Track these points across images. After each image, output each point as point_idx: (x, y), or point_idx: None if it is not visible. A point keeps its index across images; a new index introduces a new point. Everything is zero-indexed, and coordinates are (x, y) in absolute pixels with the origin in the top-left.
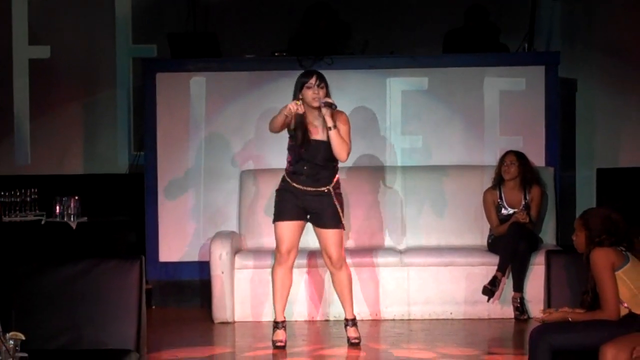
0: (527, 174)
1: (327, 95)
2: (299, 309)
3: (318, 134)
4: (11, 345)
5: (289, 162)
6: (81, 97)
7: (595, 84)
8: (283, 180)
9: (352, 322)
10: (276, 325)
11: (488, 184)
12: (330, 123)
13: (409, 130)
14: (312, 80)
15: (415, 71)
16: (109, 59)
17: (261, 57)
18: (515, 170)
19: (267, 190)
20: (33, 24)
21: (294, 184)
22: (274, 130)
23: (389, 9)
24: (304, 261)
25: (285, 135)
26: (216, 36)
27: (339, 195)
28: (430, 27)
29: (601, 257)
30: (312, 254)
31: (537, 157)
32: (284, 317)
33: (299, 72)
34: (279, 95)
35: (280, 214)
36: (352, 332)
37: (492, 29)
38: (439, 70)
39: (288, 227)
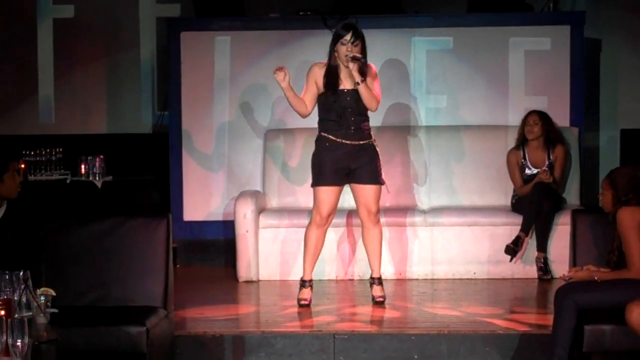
0: (551, 134)
1: (363, 52)
2: (323, 268)
3: (350, 85)
4: (42, 301)
5: (327, 120)
6: (105, 57)
7: (620, 44)
8: (320, 140)
9: (378, 280)
10: (303, 283)
11: (512, 144)
12: (357, 78)
13: (433, 90)
14: (348, 37)
15: (440, 31)
16: (132, 18)
17: (286, 16)
18: (538, 130)
19: (292, 150)
20: None
21: (339, 139)
22: (303, 111)
23: None
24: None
25: None
26: None
27: (377, 151)
28: None
29: (627, 216)
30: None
31: (562, 117)
32: (312, 277)
33: (323, 31)
34: (303, 54)
35: (320, 178)
36: (377, 290)
37: None
38: (463, 29)
39: (329, 191)
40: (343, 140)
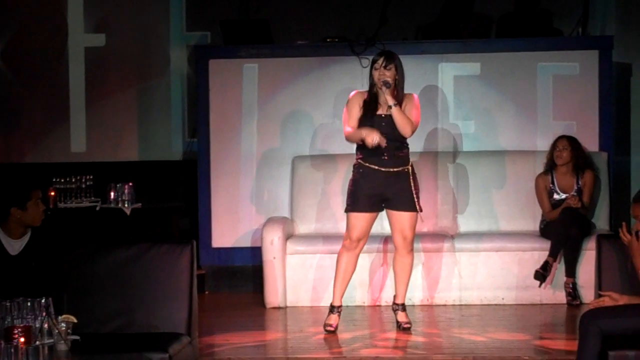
0: (580, 159)
1: (399, 76)
2: (352, 294)
3: (387, 110)
4: (63, 328)
5: (363, 146)
6: (136, 85)
7: None
8: (359, 167)
9: (402, 306)
10: (331, 309)
11: (540, 169)
12: (390, 102)
13: (461, 116)
14: (380, 61)
15: (468, 56)
16: (163, 46)
17: (313, 43)
18: (567, 155)
19: (319, 176)
20: (88, 12)
21: (375, 167)
22: (351, 140)
23: None
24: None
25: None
26: (268, 22)
27: (416, 177)
28: (481, 12)
29: None
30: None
31: (591, 142)
32: (341, 303)
33: (350, 58)
34: (331, 80)
35: (355, 204)
36: (402, 316)
37: (544, 14)
38: (491, 55)
39: (362, 217)
40: (377, 167)
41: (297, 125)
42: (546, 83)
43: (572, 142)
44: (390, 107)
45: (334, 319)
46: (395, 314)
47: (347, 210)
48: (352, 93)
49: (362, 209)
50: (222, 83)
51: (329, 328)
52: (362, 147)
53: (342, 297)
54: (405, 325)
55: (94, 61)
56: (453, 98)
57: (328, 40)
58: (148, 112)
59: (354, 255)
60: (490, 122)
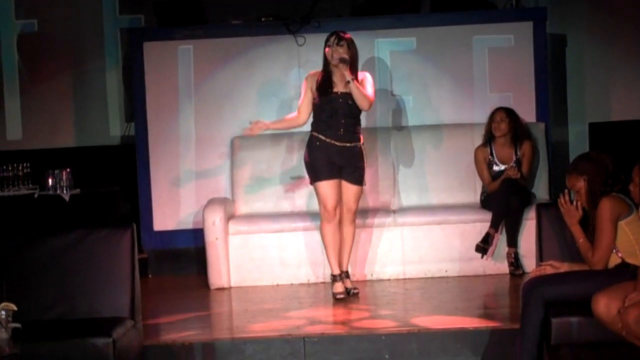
0: (518, 130)
1: (350, 53)
2: (295, 272)
3: (343, 88)
4: (3, 316)
5: (319, 120)
6: (70, 70)
7: (584, 38)
8: (311, 139)
9: (346, 273)
10: (334, 278)
11: (479, 141)
12: (348, 77)
13: (398, 91)
14: (332, 39)
15: (403, 31)
16: (96, 30)
17: (248, 23)
18: (505, 126)
19: (258, 155)
20: None
21: (330, 140)
22: (297, 123)
23: None
24: (300, 225)
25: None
26: (202, 3)
27: (365, 154)
28: None
29: (608, 208)
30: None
31: (528, 113)
32: (340, 270)
33: (285, 37)
34: (266, 60)
35: (319, 174)
36: (348, 283)
37: None
38: (426, 29)
39: (329, 185)
40: (332, 141)
41: (235, 106)
42: (482, 56)
43: (509, 114)
44: (348, 82)
45: (339, 286)
46: (343, 282)
47: (312, 182)
48: (309, 73)
49: (327, 177)
50: (158, 66)
51: (338, 296)
52: (317, 121)
53: (339, 265)
54: (355, 291)
55: (27, 47)
56: (390, 73)
57: (263, 19)
58: (84, 97)
59: (335, 224)
60: (427, 96)
